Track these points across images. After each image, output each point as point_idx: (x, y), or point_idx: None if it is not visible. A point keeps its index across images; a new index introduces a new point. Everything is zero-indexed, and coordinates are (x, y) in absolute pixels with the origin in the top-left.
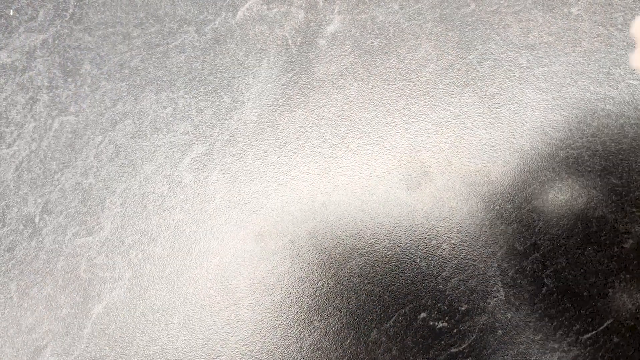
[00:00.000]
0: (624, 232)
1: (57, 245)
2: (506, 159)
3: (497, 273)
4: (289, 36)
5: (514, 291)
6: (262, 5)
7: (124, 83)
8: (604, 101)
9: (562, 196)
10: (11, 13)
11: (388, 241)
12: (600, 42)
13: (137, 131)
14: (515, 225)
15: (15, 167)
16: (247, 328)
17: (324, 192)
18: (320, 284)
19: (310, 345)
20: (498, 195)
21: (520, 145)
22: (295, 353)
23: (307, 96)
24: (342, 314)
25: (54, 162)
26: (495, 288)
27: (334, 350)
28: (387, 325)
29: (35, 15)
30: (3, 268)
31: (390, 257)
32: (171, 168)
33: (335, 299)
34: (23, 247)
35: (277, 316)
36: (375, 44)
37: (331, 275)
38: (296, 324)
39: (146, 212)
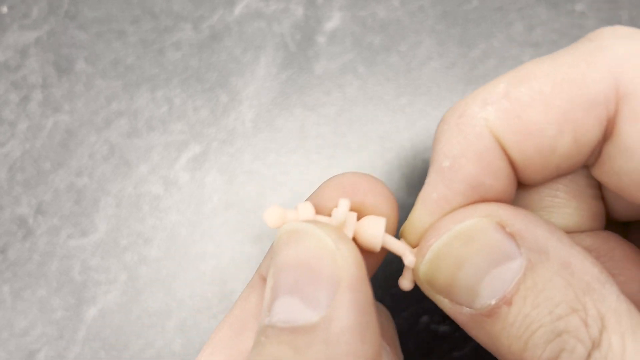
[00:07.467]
0: None
1: (51, 247)
2: None
3: None
4: (288, 33)
5: None
6: (259, 2)
7: (119, 81)
8: None
9: None
10: (4, 10)
11: None
12: None
13: (132, 130)
14: None
15: (8, 168)
16: None
17: None
18: None
19: None
20: None
21: None
22: None
23: (306, 94)
24: None
25: (48, 162)
26: None
27: None
28: None
29: (28, 12)
30: None
31: (391, 260)
32: (167, 168)
33: None
34: (16, 249)
35: None
36: (375, 41)
37: None
38: None
39: (141, 213)
